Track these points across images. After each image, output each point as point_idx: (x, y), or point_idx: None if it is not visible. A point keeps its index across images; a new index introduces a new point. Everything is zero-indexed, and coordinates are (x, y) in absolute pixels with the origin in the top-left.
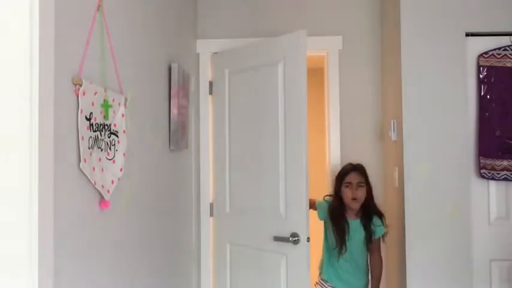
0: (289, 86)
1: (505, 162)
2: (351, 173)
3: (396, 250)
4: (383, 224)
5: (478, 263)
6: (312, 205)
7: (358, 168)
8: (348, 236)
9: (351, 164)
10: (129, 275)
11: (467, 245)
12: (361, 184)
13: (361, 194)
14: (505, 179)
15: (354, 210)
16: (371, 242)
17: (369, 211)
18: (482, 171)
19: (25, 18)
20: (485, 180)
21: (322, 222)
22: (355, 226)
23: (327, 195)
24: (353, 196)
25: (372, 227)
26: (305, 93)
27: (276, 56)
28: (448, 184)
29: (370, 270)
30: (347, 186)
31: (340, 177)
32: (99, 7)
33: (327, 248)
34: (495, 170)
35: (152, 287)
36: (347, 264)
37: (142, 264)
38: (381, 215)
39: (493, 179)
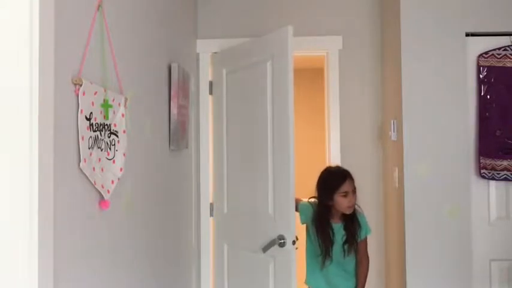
0: (277, 84)
1: (505, 162)
2: (345, 181)
3: (396, 250)
4: (367, 224)
5: (478, 263)
6: (297, 205)
7: (349, 176)
8: (333, 243)
9: (338, 170)
10: (129, 275)
11: (467, 245)
12: (355, 190)
13: (356, 199)
14: (505, 179)
15: (339, 215)
16: (351, 244)
17: (352, 214)
18: (482, 171)
19: (25, 18)
20: (485, 180)
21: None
22: (338, 229)
23: (312, 197)
24: (350, 204)
25: (357, 229)
26: (291, 92)
27: (266, 54)
28: (448, 184)
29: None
30: (344, 196)
31: (333, 186)
32: (99, 7)
33: (311, 254)
34: (495, 170)
35: (152, 287)
36: (334, 267)
37: (142, 264)
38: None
39: (493, 179)
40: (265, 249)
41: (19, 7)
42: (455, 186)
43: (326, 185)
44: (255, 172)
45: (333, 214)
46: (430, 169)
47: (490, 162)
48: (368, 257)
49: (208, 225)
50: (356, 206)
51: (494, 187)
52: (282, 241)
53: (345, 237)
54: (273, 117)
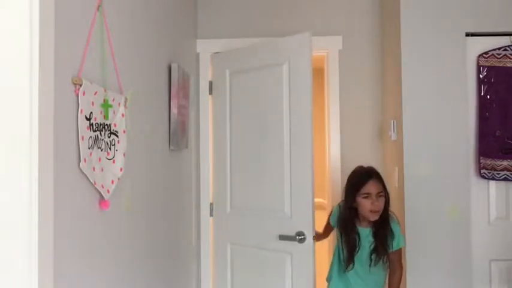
0: (294, 87)
1: (505, 162)
2: (369, 181)
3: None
4: (401, 234)
5: (478, 263)
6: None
7: (375, 175)
8: (358, 248)
9: (364, 169)
10: (129, 275)
11: (467, 245)
12: (381, 194)
13: (382, 204)
14: (505, 179)
15: (368, 220)
16: (380, 254)
17: (384, 221)
18: (482, 171)
19: (25, 18)
20: (485, 180)
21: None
22: (365, 234)
23: (343, 201)
24: (373, 209)
25: (389, 239)
26: (310, 94)
27: (280, 58)
28: (448, 184)
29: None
30: (366, 197)
31: (356, 187)
32: (99, 7)
33: (338, 258)
34: (495, 170)
35: (152, 287)
36: (357, 276)
37: (142, 264)
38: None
39: (493, 179)
40: (283, 238)
41: (19, 7)
42: (455, 186)
43: (349, 184)
44: (266, 172)
45: (360, 218)
46: (430, 169)
47: (490, 162)
48: (402, 267)
49: (208, 225)
50: (390, 213)
51: (494, 187)
52: (302, 237)
53: (373, 245)
54: (290, 118)
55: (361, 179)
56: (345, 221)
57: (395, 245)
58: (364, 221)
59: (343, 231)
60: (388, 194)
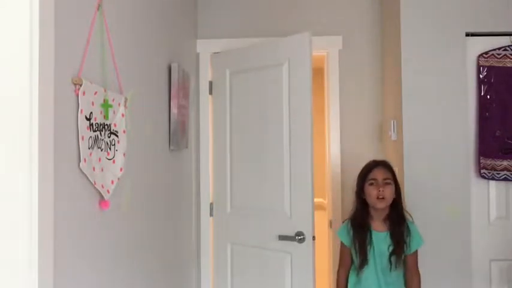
0: (294, 87)
1: (505, 162)
2: (374, 168)
3: None
4: (419, 234)
5: (478, 263)
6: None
7: (382, 164)
8: (371, 246)
9: (374, 161)
10: (129, 275)
11: (467, 245)
12: (388, 181)
13: (389, 192)
14: (505, 179)
15: (380, 217)
16: (400, 255)
17: (398, 217)
18: (482, 171)
19: (25, 18)
20: (485, 180)
21: (337, 228)
22: (382, 238)
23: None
24: (379, 195)
25: (406, 238)
26: (310, 94)
27: (280, 58)
28: (448, 184)
29: None
30: (371, 184)
31: (363, 176)
32: (99, 7)
33: (355, 268)
34: (495, 170)
35: (152, 287)
36: (377, 281)
37: (142, 264)
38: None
39: (493, 179)
40: (282, 238)
41: (19, 7)
42: (455, 186)
43: (359, 175)
44: (266, 172)
45: (373, 217)
46: (430, 169)
47: (490, 162)
48: (419, 274)
49: (208, 225)
50: (405, 213)
51: (494, 187)
52: (301, 237)
53: (391, 247)
54: (290, 118)
55: (367, 167)
56: (357, 213)
57: (414, 246)
58: (378, 222)
59: (354, 226)
60: (399, 186)
